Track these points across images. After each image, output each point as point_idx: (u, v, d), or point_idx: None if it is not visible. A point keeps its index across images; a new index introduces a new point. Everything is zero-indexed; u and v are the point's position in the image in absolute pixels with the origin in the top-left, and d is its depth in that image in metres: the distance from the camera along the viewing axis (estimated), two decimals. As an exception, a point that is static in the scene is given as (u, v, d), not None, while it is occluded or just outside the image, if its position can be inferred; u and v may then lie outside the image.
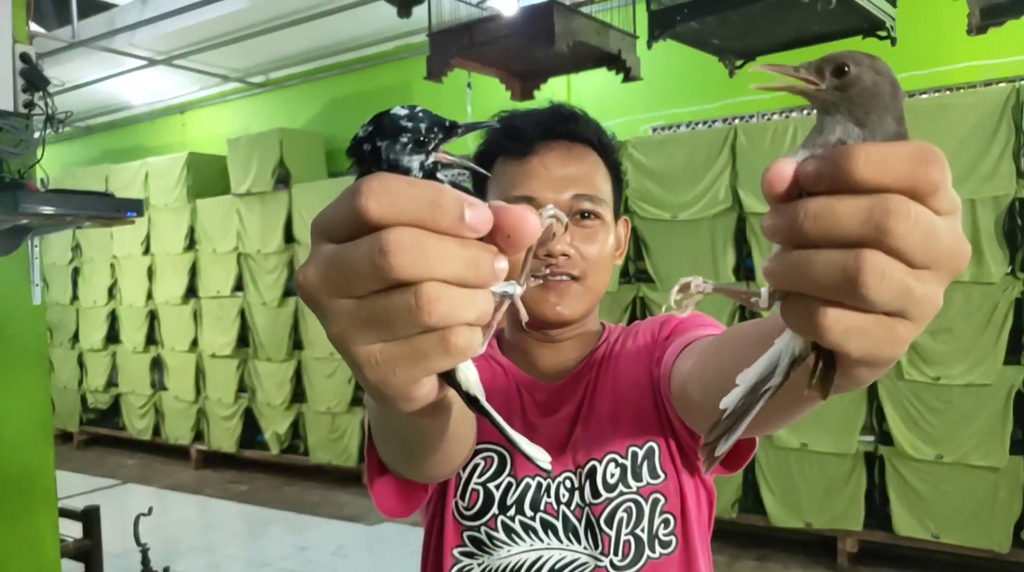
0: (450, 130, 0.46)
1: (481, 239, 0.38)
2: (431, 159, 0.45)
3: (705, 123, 5.03)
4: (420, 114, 0.45)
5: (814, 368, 0.41)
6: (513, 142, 0.99)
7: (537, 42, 3.65)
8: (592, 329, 1.05)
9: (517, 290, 0.45)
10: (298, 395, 6.34)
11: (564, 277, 0.96)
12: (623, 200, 1.10)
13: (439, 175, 0.46)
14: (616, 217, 1.03)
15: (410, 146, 0.44)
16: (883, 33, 3.47)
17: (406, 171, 0.44)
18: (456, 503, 0.96)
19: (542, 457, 0.49)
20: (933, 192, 0.35)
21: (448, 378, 0.45)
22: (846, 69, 0.40)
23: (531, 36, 3.67)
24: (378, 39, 6.30)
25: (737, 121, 4.84)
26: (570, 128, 0.99)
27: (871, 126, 0.40)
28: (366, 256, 0.36)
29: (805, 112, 4.65)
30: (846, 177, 0.35)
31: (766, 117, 4.82)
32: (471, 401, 0.47)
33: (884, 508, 3.99)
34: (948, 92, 4.19)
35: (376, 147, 0.44)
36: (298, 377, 6.33)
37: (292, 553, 4.89)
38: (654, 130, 5.23)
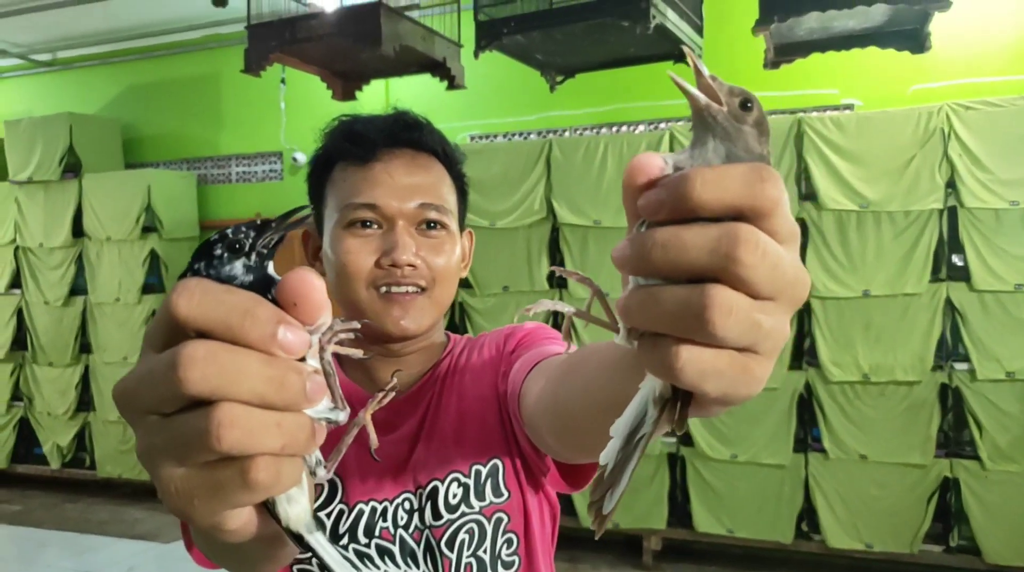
0: (262, 227, 0.42)
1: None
2: (253, 256, 0.41)
3: (522, 135, 4.91)
4: (228, 230, 0.42)
5: (672, 406, 0.38)
6: (355, 147, 0.90)
7: (363, 43, 3.39)
8: (436, 341, 0.97)
9: (341, 416, 0.39)
10: (84, 403, 5.50)
11: (410, 288, 0.87)
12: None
13: (271, 272, 0.42)
14: (461, 229, 0.96)
15: (226, 255, 0.41)
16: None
17: (231, 280, 0.39)
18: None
19: None
20: (773, 209, 0.33)
21: (270, 510, 0.39)
22: (750, 105, 0.39)
23: (357, 37, 3.41)
24: (187, 26, 5.61)
25: (553, 135, 4.76)
26: (415, 136, 0.92)
27: (745, 160, 0.38)
28: (163, 367, 0.33)
29: (614, 129, 4.66)
30: (686, 202, 0.33)
31: (579, 132, 4.77)
32: (296, 539, 0.41)
33: (685, 506, 3.99)
34: (742, 120, 4.34)
35: (196, 271, 0.40)
36: (85, 383, 5.48)
37: (73, 578, 4.22)
38: (472, 138, 5.04)
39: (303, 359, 0.36)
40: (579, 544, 4.24)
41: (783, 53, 3.44)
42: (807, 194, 3.81)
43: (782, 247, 0.34)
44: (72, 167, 5.48)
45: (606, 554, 4.20)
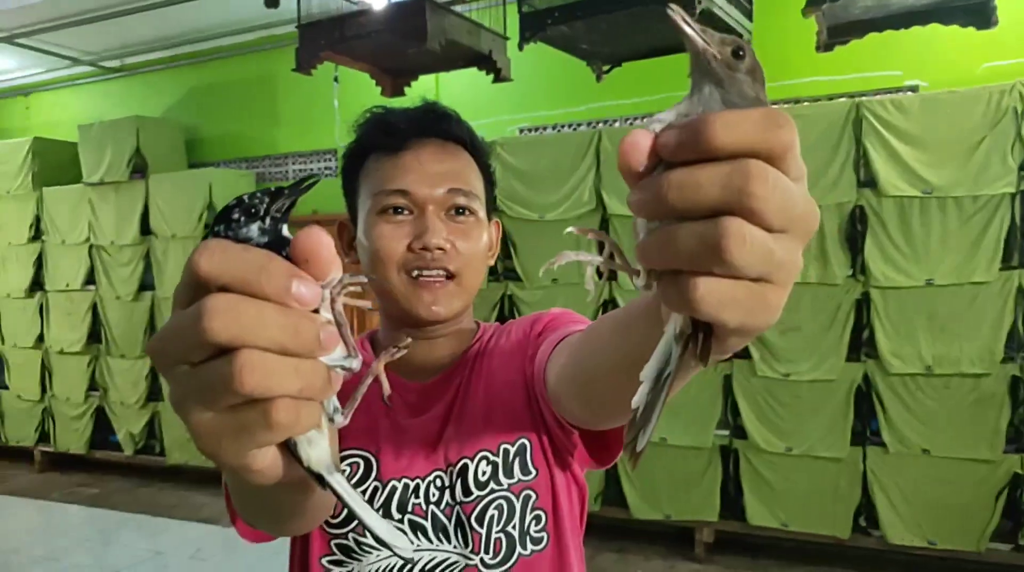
0: (276, 194, 0.44)
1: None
2: (267, 220, 0.43)
3: (571, 126, 4.84)
4: (244, 195, 0.44)
5: (694, 341, 0.39)
6: (387, 137, 0.92)
7: (409, 39, 3.40)
8: (466, 327, 0.99)
9: (354, 364, 0.41)
10: (154, 393, 5.67)
11: (438, 272, 0.89)
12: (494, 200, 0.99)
13: (285, 233, 0.44)
14: (489, 218, 0.98)
15: (243, 219, 0.43)
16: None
17: (247, 241, 0.42)
18: None
19: (402, 544, 0.45)
20: (785, 153, 0.34)
21: (293, 452, 0.42)
22: (742, 53, 0.40)
23: (403, 33, 3.42)
24: (242, 28, 5.72)
25: (602, 125, 4.68)
26: (443, 127, 0.94)
27: (742, 107, 0.39)
28: (189, 320, 0.35)
29: (665, 119, 4.55)
30: (705, 143, 0.34)
31: (629, 122, 4.68)
32: (317, 479, 0.43)
33: (738, 499, 3.90)
34: (796, 104, 4.18)
35: (216, 233, 0.43)
36: (154, 374, 5.65)
37: (146, 558, 4.36)
38: (521, 131, 4.99)
39: (317, 311, 0.38)
40: (630, 535, 4.19)
41: (837, 34, 3.30)
42: (866, 181, 3.65)
43: (794, 183, 0.35)
44: (139, 168, 5.65)
45: (658, 546, 4.13)
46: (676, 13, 0.39)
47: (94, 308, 5.88)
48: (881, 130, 3.57)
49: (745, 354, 3.78)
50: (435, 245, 0.88)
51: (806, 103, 4.17)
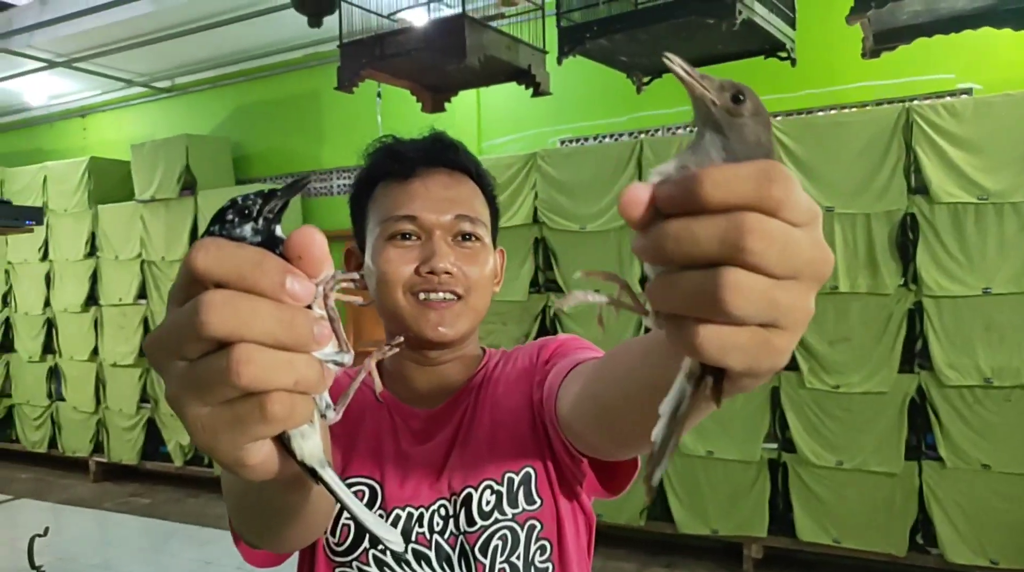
0: (268, 196, 0.45)
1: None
2: (260, 221, 0.44)
3: (612, 136, 4.83)
4: (238, 197, 0.45)
5: (704, 382, 0.41)
6: (396, 165, 0.95)
7: (448, 56, 3.43)
8: (472, 353, 1.00)
9: (347, 358, 0.42)
10: (204, 406, 5.82)
11: (446, 295, 0.90)
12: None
13: (278, 233, 0.45)
14: (494, 246, 1.00)
15: (236, 219, 0.44)
16: (783, 54, 3.36)
17: (241, 241, 0.43)
18: (327, 539, 0.90)
19: (393, 539, 0.46)
20: (778, 208, 0.34)
21: (286, 447, 0.42)
22: (741, 98, 0.40)
23: (442, 49, 3.45)
24: (287, 47, 5.86)
25: (643, 135, 4.66)
26: (451, 156, 0.97)
27: (743, 154, 0.40)
28: (186, 316, 0.36)
29: (708, 128, 4.51)
30: (697, 200, 0.34)
31: (671, 131, 4.65)
32: (310, 473, 0.44)
33: (787, 514, 3.82)
34: (843, 111, 4.10)
35: (211, 233, 0.44)
36: (204, 387, 5.81)
37: (196, 568, 4.45)
38: (562, 143, 4.99)
39: (310, 307, 0.39)
40: (678, 550, 4.13)
41: (884, 40, 3.23)
42: (917, 187, 3.57)
43: (798, 230, 0.35)
44: (189, 185, 5.81)
45: (705, 560, 4.07)
46: (674, 62, 0.39)
47: (145, 322, 6.04)
48: (933, 135, 3.48)
49: (793, 366, 3.71)
50: (442, 269, 0.89)
51: (854, 109, 4.09)
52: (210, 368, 0.36)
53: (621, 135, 4.80)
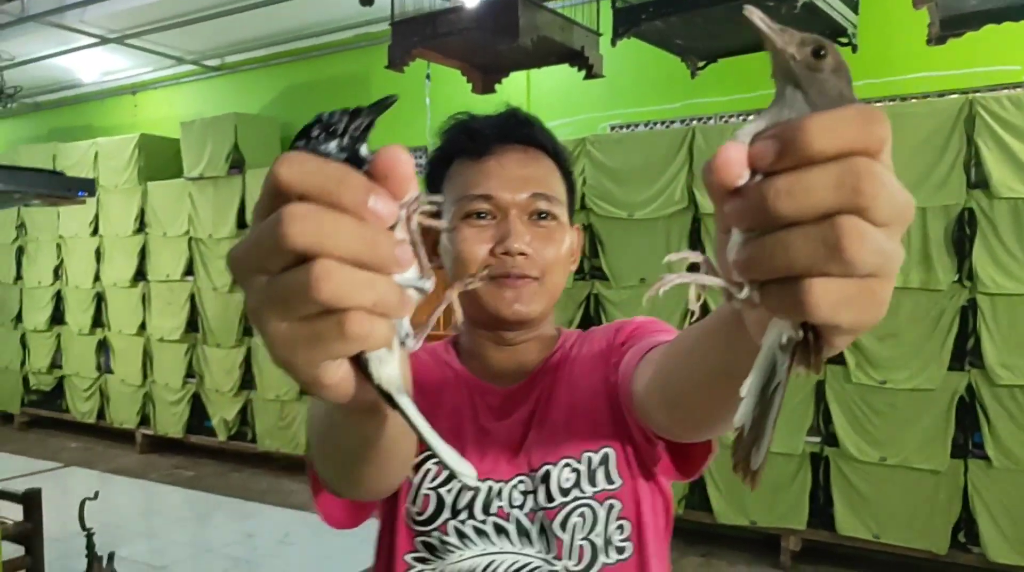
0: (355, 113, 0.45)
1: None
2: (346, 138, 0.44)
3: (664, 123, 4.80)
4: (323, 114, 0.45)
5: (805, 348, 0.39)
6: (471, 143, 0.94)
7: (501, 36, 3.43)
8: (548, 333, 0.99)
9: (427, 285, 0.42)
10: (247, 382, 5.94)
11: (521, 273, 0.90)
12: (580, 200, 0.96)
13: (363, 153, 0.44)
14: (570, 223, 0.98)
15: (322, 136, 0.44)
16: (844, 40, 3.31)
17: (326, 157, 0.41)
18: (408, 509, 0.91)
19: (467, 472, 0.45)
20: (881, 148, 0.34)
21: (364, 371, 0.42)
22: (823, 52, 0.39)
23: (495, 29, 3.44)
24: (338, 27, 5.91)
25: (696, 122, 4.63)
26: (526, 132, 0.96)
27: (825, 108, 0.36)
28: (269, 228, 0.36)
29: (759, 117, 4.46)
30: (805, 149, 0.34)
31: (725, 119, 4.61)
32: (387, 398, 0.44)
33: (827, 508, 3.81)
34: (902, 101, 4.03)
35: (296, 147, 0.43)
36: (247, 364, 5.92)
37: (238, 539, 4.58)
38: (612, 128, 4.98)
39: (393, 229, 0.38)
40: (715, 540, 4.14)
41: (951, 26, 3.17)
42: (976, 182, 3.50)
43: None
44: (237, 163, 5.91)
45: (743, 552, 4.08)
46: (753, 13, 0.39)
47: (192, 298, 6.18)
48: (996, 128, 3.41)
49: (840, 360, 3.68)
50: (517, 249, 0.88)
51: (914, 100, 4.02)
52: (290, 282, 0.36)
53: (673, 122, 4.78)
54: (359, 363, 0.42)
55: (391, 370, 0.43)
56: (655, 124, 4.83)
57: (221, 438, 6.06)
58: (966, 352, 3.55)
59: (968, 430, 3.56)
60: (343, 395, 0.41)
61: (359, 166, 0.40)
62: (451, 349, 1.02)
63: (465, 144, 0.95)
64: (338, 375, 0.40)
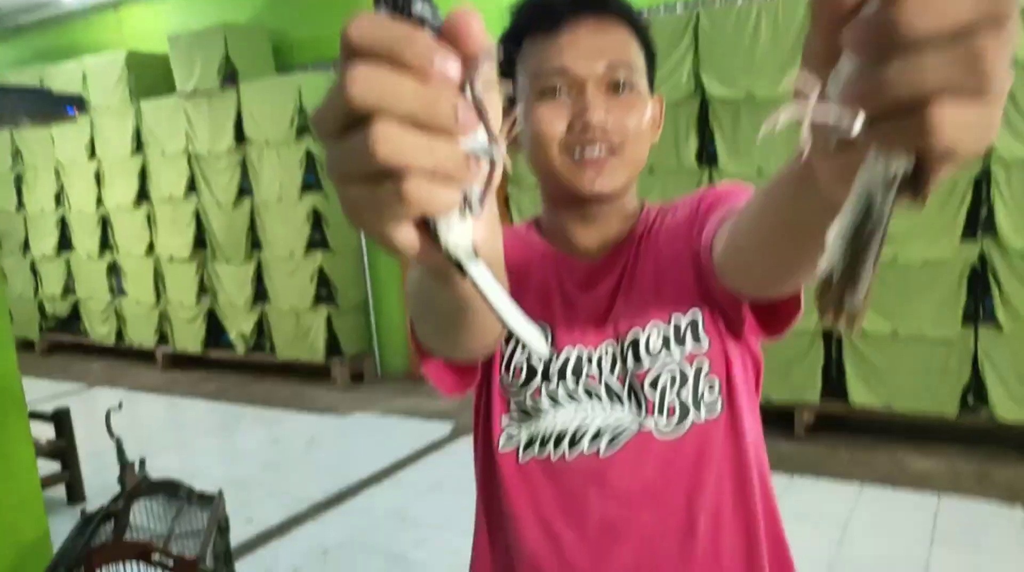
0: None
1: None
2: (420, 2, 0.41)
3: (667, 8, 4.68)
4: None
5: (914, 179, 0.37)
6: (542, 17, 0.90)
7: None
8: (631, 206, 0.98)
9: (496, 150, 0.40)
10: (260, 295, 6.01)
11: (601, 147, 0.88)
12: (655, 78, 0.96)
13: (434, 16, 0.42)
14: (651, 92, 0.95)
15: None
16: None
17: (410, 14, 0.39)
18: (501, 377, 0.94)
19: (536, 341, 0.44)
20: None
21: (433, 235, 0.42)
22: None
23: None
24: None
25: (699, 6, 4.51)
26: (599, 1, 0.91)
27: None
28: (336, 87, 0.36)
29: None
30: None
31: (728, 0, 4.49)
32: (456, 266, 0.43)
33: (840, 381, 3.93)
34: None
35: (378, 7, 0.41)
36: (259, 277, 5.98)
37: (265, 445, 4.73)
38: None
39: (462, 93, 0.37)
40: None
41: None
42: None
43: None
44: (230, 76, 5.78)
45: (759, 428, 4.21)
46: None
47: (197, 216, 6.17)
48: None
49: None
50: (596, 122, 0.87)
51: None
52: (352, 143, 0.36)
53: (676, 5, 4.64)
54: (428, 227, 0.41)
55: (458, 236, 0.42)
56: (659, 9, 4.70)
57: (240, 351, 6.18)
58: (979, 222, 3.59)
59: (979, 297, 3.63)
60: (415, 257, 0.41)
61: (433, 29, 0.39)
62: (532, 228, 1.02)
63: (535, 19, 0.91)
64: (407, 237, 0.40)
